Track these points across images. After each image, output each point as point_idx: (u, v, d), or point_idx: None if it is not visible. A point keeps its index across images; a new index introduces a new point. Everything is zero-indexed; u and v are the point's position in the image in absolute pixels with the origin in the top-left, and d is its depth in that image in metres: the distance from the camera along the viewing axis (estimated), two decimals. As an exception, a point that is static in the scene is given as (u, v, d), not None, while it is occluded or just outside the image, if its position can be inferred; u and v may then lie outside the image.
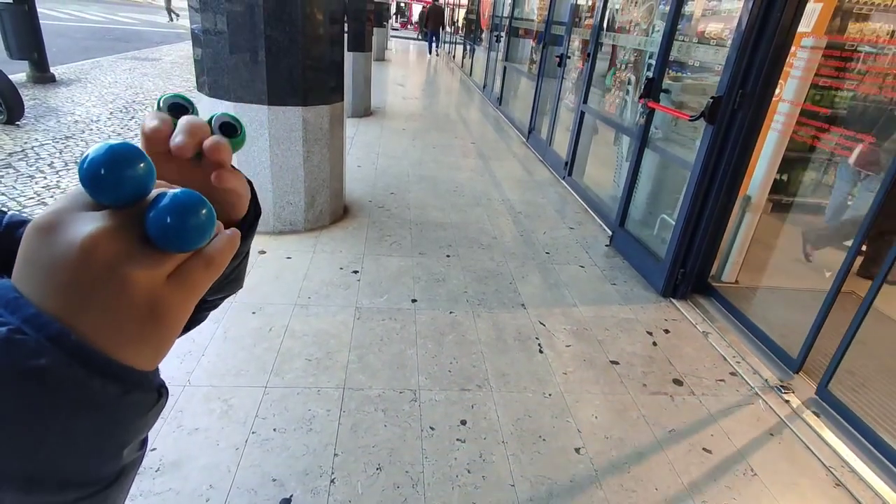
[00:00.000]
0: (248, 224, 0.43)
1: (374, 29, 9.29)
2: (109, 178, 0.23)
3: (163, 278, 0.25)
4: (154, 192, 0.25)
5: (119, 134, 4.96)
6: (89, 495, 0.24)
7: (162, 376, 0.29)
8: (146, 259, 0.24)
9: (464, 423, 1.88)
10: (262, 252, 2.89)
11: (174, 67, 9.09)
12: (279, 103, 2.91)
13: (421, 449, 1.74)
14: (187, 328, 0.43)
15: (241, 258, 0.46)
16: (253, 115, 2.89)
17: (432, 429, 1.83)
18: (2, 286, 0.23)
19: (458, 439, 1.80)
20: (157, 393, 0.27)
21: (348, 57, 5.97)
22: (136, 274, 0.23)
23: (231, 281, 0.46)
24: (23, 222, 0.45)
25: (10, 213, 0.46)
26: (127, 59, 9.25)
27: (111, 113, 5.63)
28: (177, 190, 0.25)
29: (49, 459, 0.22)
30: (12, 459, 0.21)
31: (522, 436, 1.85)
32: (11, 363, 0.21)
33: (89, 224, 0.23)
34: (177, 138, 0.31)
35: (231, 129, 0.36)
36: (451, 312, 2.54)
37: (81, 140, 4.64)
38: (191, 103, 0.36)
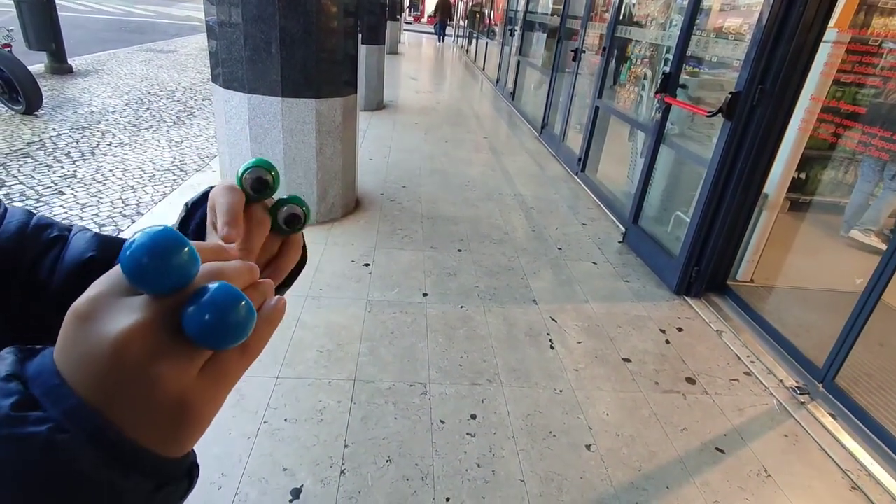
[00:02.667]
0: (294, 275, 0.46)
1: (388, 22, 9.28)
2: (152, 267, 0.23)
3: (194, 374, 0.24)
4: (200, 282, 0.25)
5: (134, 125, 5.00)
6: None
7: None
8: (178, 355, 0.24)
9: (474, 417, 1.88)
10: (275, 244, 2.90)
11: (189, 59, 9.15)
12: (293, 95, 2.91)
13: (431, 442, 1.74)
14: None
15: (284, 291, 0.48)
16: (266, 107, 2.90)
17: (442, 422, 1.83)
18: (45, 367, 0.23)
19: (468, 433, 1.80)
20: (189, 477, 0.27)
21: (362, 50, 5.96)
22: (166, 373, 0.23)
23: None
24: (50, 224, 0.47)
25: (37, 215, 0.48)
26: (143, 51, 9.32)
27: (127, 104, 5.69)
28: (216, 285, 0.24)
29: None
30: None
31: (533, 431, 1.84)
32: (51, 468, 0.21)
33: (125, 317, 0.23)
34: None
35: (296, 220, 0.39)
36: (462, 307, 2.54)
37: (98, 130, 4.69)
38: (271, 171, 0.37)
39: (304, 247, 0.44)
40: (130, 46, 9.60)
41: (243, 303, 0.24)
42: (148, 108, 5.65)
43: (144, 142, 4.60)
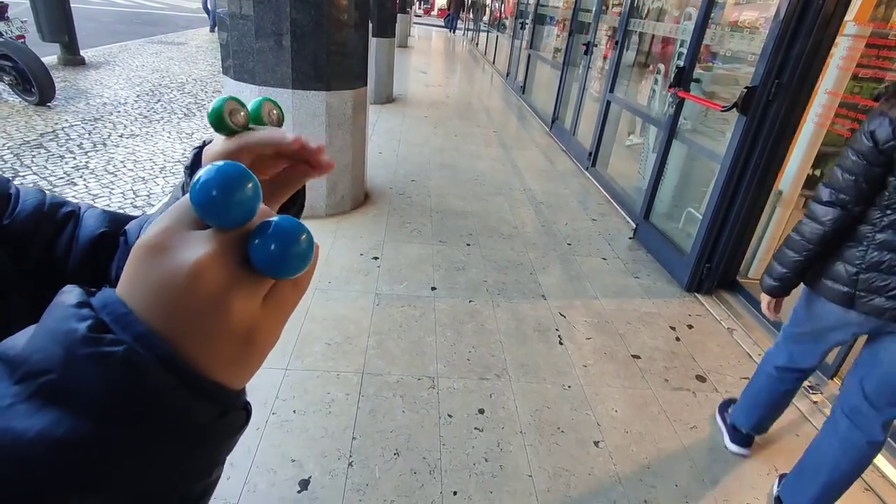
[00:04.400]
0: (294, 212, 0.47)
1: (398, 15, 9.24)
2: (221, 200, 0.24)
3: (258, 303, 0.25)
4: (257, 218, 0.26)
5: (146, 116, 5.03)
6: None
7: None
8: (247, 285, 0.24)
9: (482, 411, 1.87)
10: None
11: (199, 52, 9.17)
12: (303, 87, 2.91)
13: (438, 436, 1.74)
14: None
15: None
16: (277, 100, 2.89)
17: (450, 416, 1.83)
18: (110, 299, 0.23)
19: (475, 428, 1.80)
20: (246, 411, 0.27)
21: (372, 43, 5.94)
22: (238, 302, 0.24)
23: None
24: (63, 202, 0.50)
25: (49, 194, 0.49)
26: (154, 43, 9.36)
27: (138, 96, 5.71)
28: (279, 217, 0.25)
29: (157, 481, 0.23)
30: (126, 481, 0.22)
31: (541, 427, 1.84)
32: (129, 385, 0.21)
33: (197, 248, 0.23)
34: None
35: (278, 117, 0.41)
36: (470, 301, 2.53)
37: (109, 122, 4.72)
38: (240, 103, 0.37)
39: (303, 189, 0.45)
40: (142, 38, 9.64)
41: (304, 234, 0.25)
42: (159, 100, 5.67)
43: (155, 133, 4.62)
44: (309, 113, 2.96)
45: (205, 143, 0.42)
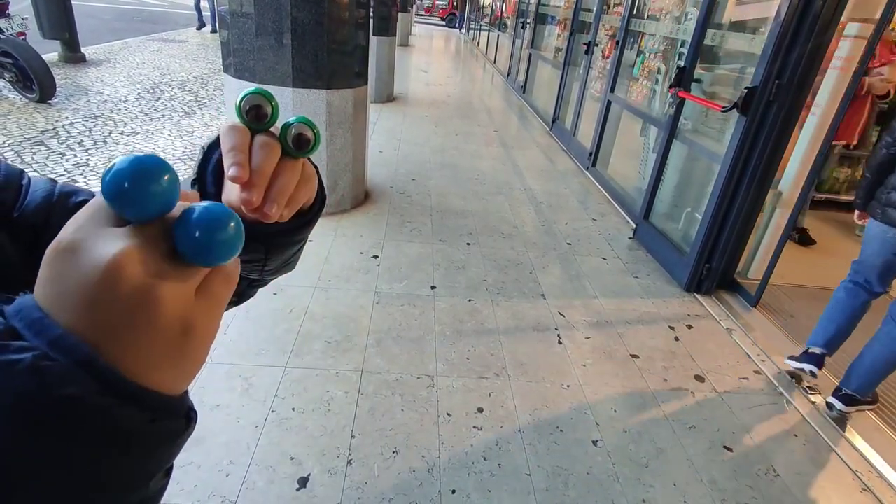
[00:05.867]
0: (314, 212, 0.46)
1: (399, 14, 9.23)
2: (134, 192, 0.22)
3: (192, 294, 0.24)
4: (179, 206, 0.24)
5: (146, 114, 5.03)
6: None
7: None
8: (175, 274, 0.23)
9: (481, 410, 1.87)
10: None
11: (200, 49, 9.17)
12: (304, 86, 2.90)
13: (437, 434, 1.75)
14: (237, 302, 0.46)
15: (302, 244, 0.49)
16: (278, 98, 2.88)
17: (449, 415, 1.83)
18: (25, 304, 0.22)
19: (474, 426, 1.80)
20: (187, 418, 0.26)
21: (372, 41, 5.94)
22: (166, 292, 0.22)
23: (289, 264, 0.48)
24: (75, 190, 0.47)
25: (59, 182, 0.48)
26: (154, 41, 9.35)
27: (139, 93, 5.71)
28: (205, 204, 0.24)
29: (75, 496, 0.21)
30: (42, 490, 0.20)
31: (539, 426, 1.84)
32: (38, 394, 0.20)
33: (113, 243, 0.22)
34: (243, 193, 0.32)
35: (305, 142, 0.36)
36: (470, 300, 2.53)
37: (110, 119, 4.72)
38: (271, 101, 0.35)
39: (320, 179, 0.44)
40: (142, 36, 9.63)
41: (233, 222, 0.24)
42: (160, 98, 5.67)
43: (156, 131, 4.62)
44: (309, 111, 2.96)
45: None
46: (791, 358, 2.29)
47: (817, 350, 2.19)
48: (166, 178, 0.23)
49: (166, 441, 0.24)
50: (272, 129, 0.35)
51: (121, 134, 4.41)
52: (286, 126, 0.36)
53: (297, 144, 0.35)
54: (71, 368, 0.20)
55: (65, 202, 0.46)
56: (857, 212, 2.20)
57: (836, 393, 2.10)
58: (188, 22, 12.87)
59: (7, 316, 0.21)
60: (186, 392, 0.26)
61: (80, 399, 0.20)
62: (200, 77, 7.00)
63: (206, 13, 11.16)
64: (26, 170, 0.40)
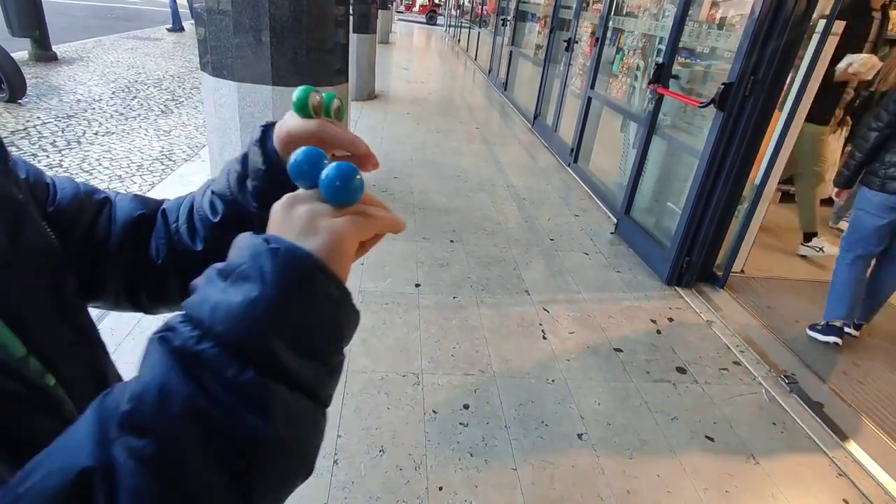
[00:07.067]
0: None
1: (379, 11, 9.18)
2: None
3: (337, 222, 0.35)
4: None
5: (121, 113, 4.92)
6: (332, 372, 0.35)
7: None
8: (329, 211, 0.35)
9: (466, 407, 1.88)
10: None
11: (176, 47, 9.00)
12: (284, 84, 2.87)
13: (424, 432, 1.75)
14: None
15: None
16: (257, 96, 2.86)
17: (435, 412, 1.83)
18: (282, 239, 0.33)
19: (460, 423, 1.81)
20: (357, 312, 0.37)
21: (353, 39, 5.90)
22: (348, 236, 0.34)
23: None
24: (95, 188, 0.55)
25: (76, 181, 0.55)
26: (129, 39, 9.15)
27: (113, 92, 5.59)
28: (338, 164, 0.35)
29: (320, 327, 0.33)
30: (298, 325, 0.31)
31: (525, 421, 1.85)
32: (290, 266, 0.31)
33: (308, 203, 0.35)
34: (370, 157, 0.48)
35: (338, 110, 0.50)
36: (454, 297, 2.54)
37: (84, 119, 4.61)
38: (322, 94, 0.48)
39: None
40: (116, 34, 9.42)
41: (358, 174, 0.36)
42: (135, 97, 5.56)
43: (132, 131, 4.53)
44: (290, 110, 2.92)
45: (268, 124, 0.50)
46: (814, 330, 2.55)
47: (838, 322, 2.46)
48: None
49: (352, 314, 0.35)
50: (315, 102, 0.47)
51: (95, 134, 4.31)
52: (328, 100, 0.48)
53: (337, 114, 0.49)
54: (306, 254, 0.32)
55: (90, 198, 0.53)
56: (835, 189, 2.49)
57: (814, 327, 2.53)
58: (163, 19, 12.62)
59: (269, 240, 0.32)
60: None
61: (312, 271, 0.32)
62: (177, 75, 6.88)
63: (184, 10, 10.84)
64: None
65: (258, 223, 0.42)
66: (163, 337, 0.30)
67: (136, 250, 0.53)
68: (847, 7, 2.92)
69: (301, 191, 0.37)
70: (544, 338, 2.32)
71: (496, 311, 2.48)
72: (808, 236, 3.48)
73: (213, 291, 0.31)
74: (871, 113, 2.35)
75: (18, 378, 0.35)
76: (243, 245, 0.33)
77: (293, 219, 0.34)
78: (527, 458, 1.70)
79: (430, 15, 25.62)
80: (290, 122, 0.47)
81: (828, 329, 2.49)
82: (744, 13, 2.62)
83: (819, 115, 3.08)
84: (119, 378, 0.50)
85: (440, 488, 1.56)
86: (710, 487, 1.69)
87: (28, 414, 0.35)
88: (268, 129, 0.50)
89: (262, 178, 0.49)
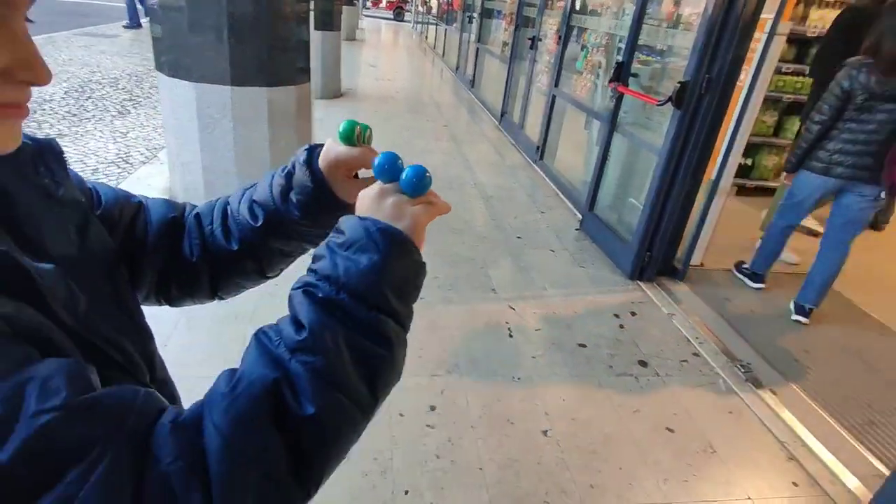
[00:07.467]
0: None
1: (344, 7, 9.06)
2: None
3: (416, 209, 0.48)
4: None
5: (74, 114, 4.73)
6: (412, 312, 0.48)
7: None
8: (409, 201, 0.49)
9: (433, 408, 1.89)
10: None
11: (134, 45, 8.70)
12: (242, 84, 2.81)
13: (390, 435, 1.75)
14: (278, 267, 0.74)
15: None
16: (215, 96, 2.79)
17: (401, 415, 1.84)
18: (369, 220, 0.46)
19: (427, 425, 1.81)
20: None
21: (316, 36, 5.80)
22: (406, 207, 0.48)
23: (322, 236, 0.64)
24: (129, 194, 0.62)
25: (110, 185, 0.61)
26: (83, 36, 8.80)
27: (66, 92, 5.37)
28: (414, 165, 0.50)
29: (415, 276, 0.48)
30: (402, 275, 0.46)
31: (491, 420, 1.87)
32: (395, 237, 0.45)
33: (394, 195, 0.48)
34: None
35: (370, 137, 0.63)
36: (422, 298, 2.51)
37: (33, 121, 4.41)
38: (364, 129, 0.61)
39: None
40: (69, 30, 9.04)
41: (427, 172, 0.50)
42: (90, 97, 5.35)
43: (86, 133, 4.36)
44: (250, 110, 2.87)
45: (310, 147, 0.61)
46: (741, 272, 3.12)
47: (761, 272, 3.04)
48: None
49: (425, 273, 0.49)
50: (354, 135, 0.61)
51: (46, 136, 4.13)
52: (364, 130, 0.61)
53: (369, 140, 0.62)
54: (402, 233, 0.46)
55: (128, 202, 0.61)
56: (784, 173, 2.84)
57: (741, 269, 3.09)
58: (121, 16, 12.18)
59: (375, 223, 0.45)
60: None
61: (407, 240, 0.46)
62: (135, 74, 6.65)
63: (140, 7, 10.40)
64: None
65: (295, 227, 0.61)
66: (307, 291, 0.43)
67: (171, 249, 0.62)
68: (846, 22, 3.07)
69: (382, 184, 0.50)
70: (511, 336, 2.35)
71: (464, 310, 2.49)
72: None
73: (340, 259, 0.43)
74: (816, 107, 2.56)
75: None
76: (354, 225, 0.45)
77: (385, 206, 0.47)
78: (493, 457, 1.72)
79: (398, 11, 25.44)
80: (337, 149, 0.59)
81: (755, 277, 3.03)
82: (699, 12, 2.69)
83: None
84: (162, 362, 0.57)
85: (406, 492, 1.56)
86: (670, 478, 1.74)
87: (107, 369, 0.42)
88: (311, 151, 0.60)
89: (308, 193, 0.59)
